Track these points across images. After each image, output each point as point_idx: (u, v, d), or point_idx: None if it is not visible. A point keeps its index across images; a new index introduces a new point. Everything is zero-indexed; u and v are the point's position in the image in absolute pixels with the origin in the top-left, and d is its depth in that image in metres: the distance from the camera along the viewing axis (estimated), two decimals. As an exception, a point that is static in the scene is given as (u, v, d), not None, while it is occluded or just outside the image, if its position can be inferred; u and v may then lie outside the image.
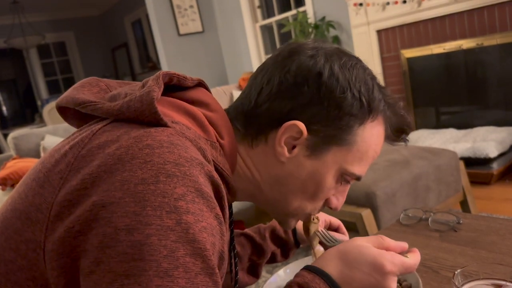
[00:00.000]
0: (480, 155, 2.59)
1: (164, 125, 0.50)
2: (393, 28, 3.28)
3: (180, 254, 0.42)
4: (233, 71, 5.53)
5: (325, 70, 0.57)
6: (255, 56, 5.16)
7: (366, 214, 1.71)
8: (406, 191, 1.82)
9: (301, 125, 0.57)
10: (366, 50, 3.45)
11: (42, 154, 2.89)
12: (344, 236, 0.84)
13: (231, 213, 0.67)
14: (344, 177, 0.62)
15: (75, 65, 8.29)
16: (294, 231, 0.86)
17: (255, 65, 5.15)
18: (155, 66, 6.86)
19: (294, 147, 0.59)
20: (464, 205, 2.10)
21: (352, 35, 3.56)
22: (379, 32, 3.39)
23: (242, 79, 3.38)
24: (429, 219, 0.94)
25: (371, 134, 0.60)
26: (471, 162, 2.57)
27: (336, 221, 0.88)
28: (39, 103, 8.00)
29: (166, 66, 4.94)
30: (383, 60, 3.43)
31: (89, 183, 0.45)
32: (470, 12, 2.83)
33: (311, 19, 4.13)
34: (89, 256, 0.43)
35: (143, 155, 0.45)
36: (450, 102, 3.20)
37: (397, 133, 0.64)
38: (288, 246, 0.86)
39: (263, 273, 0.87)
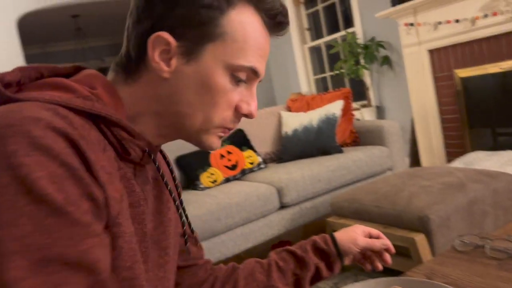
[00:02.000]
0: (542, 179, 2.45)
1: (10, 100, 0.53)
2: (445, 48, 3.22)
3: (21, 204, 0.45)
4: (281, 92, 5.58)
5: None
6: (303, 76, 5.20)
7: (420, 239, 1.67)
8: (461, 215, 1.76)
9: (165, 34, 0.58)
10: (418, 69, 3.39)
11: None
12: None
13: (155, 160, 0.65)
14: (236, 75, 0.61)
15: (130, 86, 8.67)
16: (335, 242, 0.86)
17: (304, 85, 5.19)
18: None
19: (170, 59, 0.60)
20: (525, 231, 2.00)
21: (403, 54, 3.53)
22: (431, 51, 3.33)
23: (290, 100, 3.39)
24: (487, 246, 0.92)
25: (240, 22, 0.60)
26: (532, 186, 2.45)
27: (375, 231, 0.88)
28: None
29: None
30: (436, 79, 3.35)
31: None
32: (528, 30, 2.73)
33: (360, 40, 4.13)
34: None
35: None
36: (508, 122, 3.07)
37: (272, 18, 0.63)
38: (331, 258, 0.85)
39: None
